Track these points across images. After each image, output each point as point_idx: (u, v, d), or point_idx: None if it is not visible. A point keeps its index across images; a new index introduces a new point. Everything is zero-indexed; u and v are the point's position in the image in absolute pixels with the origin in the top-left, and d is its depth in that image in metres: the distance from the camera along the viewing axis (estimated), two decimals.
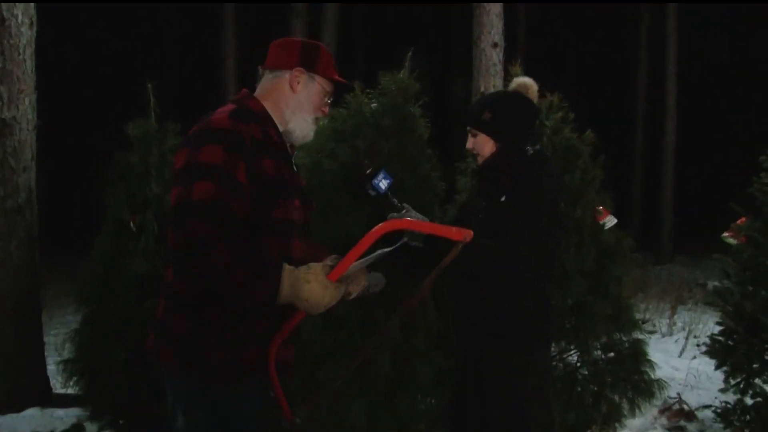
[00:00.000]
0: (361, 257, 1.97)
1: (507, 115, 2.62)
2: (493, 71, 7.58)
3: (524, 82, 2.75)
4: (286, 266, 1.90)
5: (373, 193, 2.47)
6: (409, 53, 3.54)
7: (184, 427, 1.99)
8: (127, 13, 17.48)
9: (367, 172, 2.46)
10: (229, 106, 2.04)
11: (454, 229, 2.06)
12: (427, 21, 19.34)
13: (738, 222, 4.00)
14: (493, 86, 6.96)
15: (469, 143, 2.68)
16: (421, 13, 19.04)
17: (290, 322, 1.99)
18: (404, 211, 2.44)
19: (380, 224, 1.96)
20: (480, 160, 2.67)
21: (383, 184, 2.45)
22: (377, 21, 19.79)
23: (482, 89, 7.59)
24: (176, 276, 1.96)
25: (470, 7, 7.90)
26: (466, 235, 2.04)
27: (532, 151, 2.65)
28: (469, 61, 7.94)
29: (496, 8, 7.57)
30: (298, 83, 2.10)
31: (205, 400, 1.97)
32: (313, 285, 1.88)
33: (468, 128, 2.68)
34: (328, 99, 2.18)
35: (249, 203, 1.93)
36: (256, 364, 1.97)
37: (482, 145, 2.64)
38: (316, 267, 1.91)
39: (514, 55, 6.93)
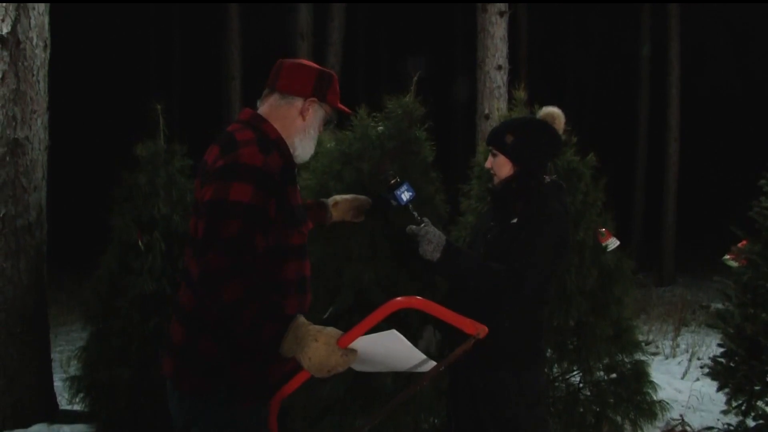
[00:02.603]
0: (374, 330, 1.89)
1: (529, 141, 2.65)
2: (497, 94, 7.67)
3: (552, 111, 2.78)
4: (300, 319, 1.88)
5: (394, 203, 2.51)
6: (415, 78, 3.60)
7: None
8: (134, 34, 17.69)
9: (392, 182, 2.50)
10: (249, 133, 2.03)
11: (468, 321, 1.99)
12: (432, 44, 19.52)
13: (739, 245, 4.02)
14: (497, 109, 7.03)
15: (489, 162, 2.71)
16: (425, 36, 19.23)
17: (295, 380, 1.95)
18: (423, 225, 2.48)
19: (398, 299, 1.91)
20: (496, 180, 2.70)
21: (405, 196, 2.49)
22: (381, 43, 19.98)
23: (486, 111, 7.68)
24: (197, 305, 1.97)
25: (474, 31, 8.02)
26: (480, 330, 1.99)
27: (549, 180, 2.70)
28: (474, 84, 8.04)
29: (500, 32, 7.68)
30: (309, 111, 2.14)
31: (232, 421, 1.98)
32: (320, 345, 1.83)
33: (489, 148, 2.72)
34: (327, 123, 2.24)
35: (275, 236, 1.95)
36: (282, 383, 2.00)
37: (500, 166, 2.67)
38: (330, 330, 1.87)
39: (517, 77, 7.02)
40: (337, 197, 2.65)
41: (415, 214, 2.50)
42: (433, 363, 2.01)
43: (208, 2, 15.70)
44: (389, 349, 1.94)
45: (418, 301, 1.92)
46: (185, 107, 17.78)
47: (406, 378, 3.33)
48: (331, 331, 1.87)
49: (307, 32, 11.94)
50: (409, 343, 1.92)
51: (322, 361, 1.83)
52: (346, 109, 2.26)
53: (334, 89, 2.19)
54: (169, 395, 2.10)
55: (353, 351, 1.87)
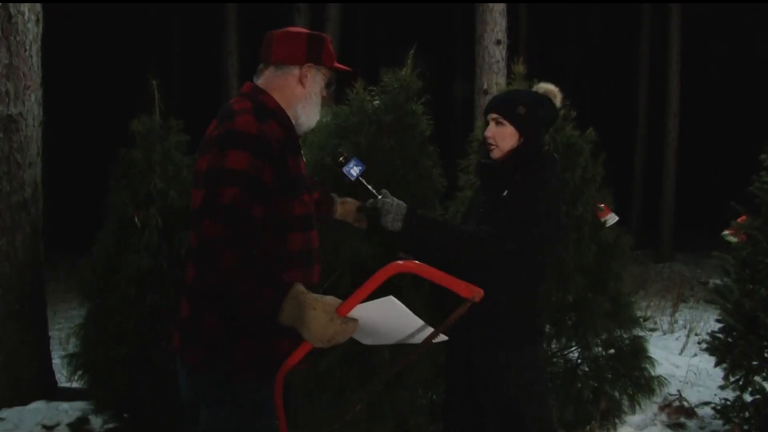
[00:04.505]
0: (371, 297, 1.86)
1: (537, 113, 2.63)
2: (495, 68, 7.61)
3: (551, 88, 2.75)
4: (298, 287, 1.85)
5: (346, 180, 2.49)
6: (412, 51, 3.56)
7: (212, 422, 2.00)
8: (131, 9, 17.52)
9: (340, 159, 2.48)
10: (246, 104, 2.02)
11: (463, 284, 1.94)
12: (430, 18, 19.34)
13: (738, 220, 4.01)
14: (496, 83, 6.98)
15: (490, 131, 2.63)
16: (423, 10, 19.05)
17: (297, 352, 1.91)
18: (381, 196, 2.44)
19: (394, 263, 1.86)
20: (496, 151, 2.64)
21: (354, 171, 2.46)
22: (379, 19, 19.80)
23: (485, 86, 7.62)
24: (196, 275, 1.95)
25: (473, 5, 7.93)
26: (475, 293, 1.94)
27: (543, 153, 2.67)
28: (472, 59, 7.96)
29: (500, 6, 7.59)
30: (307, 78, 2.12)
31: (235, 396, 1.98)
32: (318, 313, 1.80)
33: (493, 116, 2.64)
34: (328, 85, 2.22)
35: (274, 205, 1.93)
36: (285, 358, 1.97)
37: (507, 137, 2.61)
38: (329, 298, 1.85)
39: (516, 52, 6.95)
40: (347, 198, 2.65)
41: (370, 187, 2.47)
42: (432, 329, 1.99)
43: None
44: (388, 316, 1.92)
45: (414, 265, 1.89)
46: (182, 83, 17.67)
47: (403, 352, 3.32)
48: (330, 299, 1.84)
49: (304, 8, 11.84)
50: (406, 309, 1.90)
51: (321, 331, 1.81)
52: (344, 66, 2.22)
53: (328, 50, 2.16)
54: (178, 370, 2.10)
55: (353, 320, 1.85)
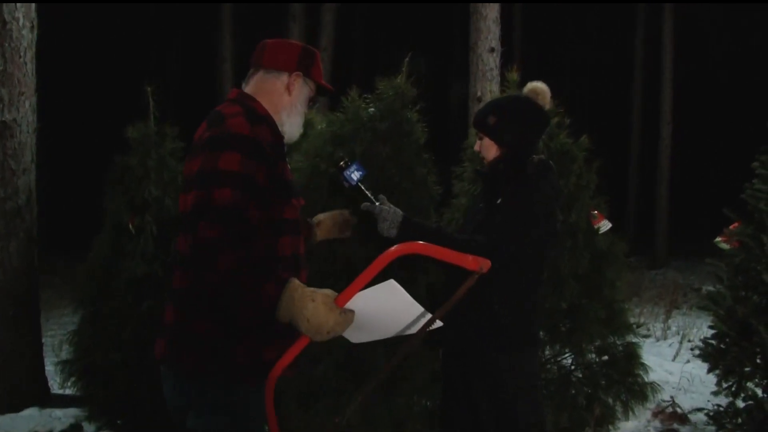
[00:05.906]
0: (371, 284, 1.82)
1: (511, 120, 2.60)
2: (489, 76, 7.64)
3: (535, 87, 2.71)
4: (295, 281, 1.86)
5: (346, 184, 2.48)
6: (407, 58, 3.57)
7: (205, 428, 1.98)
8: (126, 15, 17.53)
9: (341, 164, 2.48)
10: (236, 108, 2.03)
11: (470, 257, 1.91)
12: (426, 25, 19.39)
13: (731, 227, 4.02)
14: (490, 91, 7.00)
15: (477, 146, 2.69)
16: (419, 18, 19.10)
17: (293, 348, 1.89)
18: (379, 203, 2.46)
19: (393, 248, 1.82)
20: (485, 162, 2.68)
21: (355, 175, 2.46)
22: (375, 25, 19.84)
23: (479, 94, 7.65)
24: (190, 280, 1.94)
25: (468, 13, 7.97)
26: (482, 264, 1.91)
27: (536, 160, 2.64)
28: (467, 66, 8.00)
29: (493, 14, 7.63)
30: (294, 86, 2.14)
31: (228, 401, 1.97)
32: (318, 305, 1.81)
33: (475, 131, 2.71)
34: (311, 102, 2.24)
35: (267, 208, 1.94)
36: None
37: (487, 149, 2.64)
38: (327, 290, 1.85)
39: (510, 60, 6.99)
40: (320, 216, 2.62)
41: (369, 193, 2.48)
42: (431, 315, 1.94)
43: None
44: (387, 304, 1.89)
45: (417, 246, 1.86)
46: (176, 89, 17.67)
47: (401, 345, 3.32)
48: (328, 291, 1.85)
49: (299, 14, 11.86)
50: (407, 294, 1.86)
51: (320, 322, 1.81)
52: (329, 86, 2.26)
53: (318, 65, 2.20)
54: (163, 380, 2.09)
55: (351, 311, 1.85)
